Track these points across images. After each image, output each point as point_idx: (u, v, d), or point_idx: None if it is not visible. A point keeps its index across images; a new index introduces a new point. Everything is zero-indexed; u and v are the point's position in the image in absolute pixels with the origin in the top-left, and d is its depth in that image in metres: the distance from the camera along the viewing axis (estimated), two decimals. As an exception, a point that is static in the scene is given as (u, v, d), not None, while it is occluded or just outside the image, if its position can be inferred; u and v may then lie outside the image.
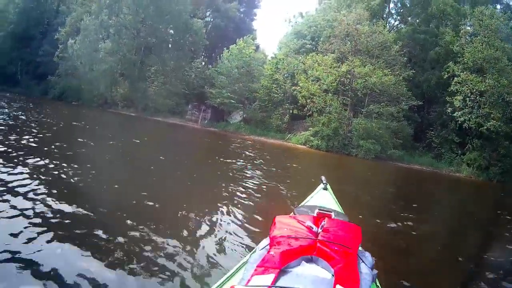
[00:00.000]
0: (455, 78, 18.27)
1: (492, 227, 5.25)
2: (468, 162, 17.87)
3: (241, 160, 8.41)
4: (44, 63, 30.94)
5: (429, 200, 7.66)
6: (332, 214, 1.65)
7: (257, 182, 5.42)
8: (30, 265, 1.84)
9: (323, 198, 2.32)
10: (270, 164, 9.01)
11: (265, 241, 1.27)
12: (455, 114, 18.03)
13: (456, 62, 18.53)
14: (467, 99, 17.76)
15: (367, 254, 1.21)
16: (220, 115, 24.68)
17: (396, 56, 19.91)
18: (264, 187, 5.15)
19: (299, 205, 2.08)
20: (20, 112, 11.37)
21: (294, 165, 10.58)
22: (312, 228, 1.27)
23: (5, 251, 1.93)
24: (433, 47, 21.08)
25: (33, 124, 8.42)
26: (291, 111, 23.70)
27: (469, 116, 17.66)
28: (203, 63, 28.53)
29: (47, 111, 14.65)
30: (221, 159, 8.19)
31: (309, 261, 1.09)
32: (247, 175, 6.07)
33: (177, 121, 23.70)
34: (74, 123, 11.46)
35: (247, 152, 11.37)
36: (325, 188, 2.49)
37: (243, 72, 23.38)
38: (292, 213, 1.74)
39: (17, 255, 1.91)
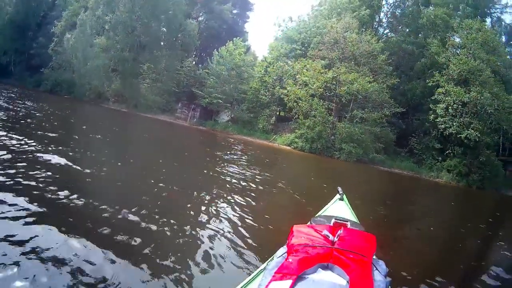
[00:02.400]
0: (439, 89, 18.74)
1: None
2: (448, 168, 18.31)
3: (241, 161, 9.17)
4: (38, 55, 31.00)
5: (408, 201, 8.20)
6: (348, 223, 1.69)
7: (248, 172, 6.09)
8: (41, 258, 1.93)
9: (339, 208, 2.39)
10: (263, 163, 10.16)
11: (282, 249, 1.30)
12: (437, 120, 18.46)
13: (441, 72, 18.96)
14: (450, 107, 18.23)
15: (381, 262, 1.23)
16: (208, 114, 25.07)
17: (381, 65, 20.41)
18: (261, 180, 5.74)
19: (316, 215, 2.14)
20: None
21: (283, 164, 11.72)
22: (329, 237, 1.30)
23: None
24: (420, 58, 21.60)
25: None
26: (277, 113, 24.08)
27: (450, 123, 18.11)
28: (194, 62, 28.80)
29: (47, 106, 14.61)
30: (220, 161, 8.37)
31: (325, 268, 1.13)
32: (236, 170, 6.66)
33: (166, 119, 23.95)
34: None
35: (239, 151, 12.19)
36: (341, 199, 2.55)
37: (233, 74, 23.77)
38: (309, 222, 1.78)
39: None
